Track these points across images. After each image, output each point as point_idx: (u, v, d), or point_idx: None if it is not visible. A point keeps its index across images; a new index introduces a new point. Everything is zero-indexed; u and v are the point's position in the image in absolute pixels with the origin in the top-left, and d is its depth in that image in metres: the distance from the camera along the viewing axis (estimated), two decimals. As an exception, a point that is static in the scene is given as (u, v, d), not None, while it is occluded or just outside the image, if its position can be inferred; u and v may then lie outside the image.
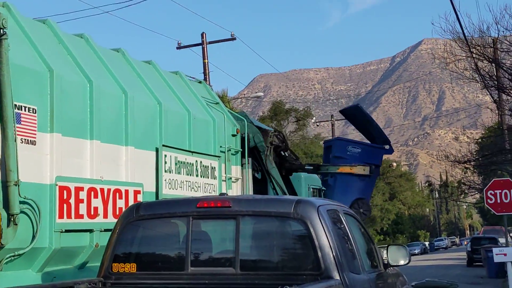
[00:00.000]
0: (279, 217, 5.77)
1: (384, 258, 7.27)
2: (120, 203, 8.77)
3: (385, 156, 15.21)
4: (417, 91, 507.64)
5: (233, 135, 12.41)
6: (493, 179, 18.67)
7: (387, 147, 13.51)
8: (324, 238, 5.58)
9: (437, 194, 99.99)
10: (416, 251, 72.45)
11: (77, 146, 8.33)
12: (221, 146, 11.78)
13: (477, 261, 35.17)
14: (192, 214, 5.93)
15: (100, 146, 8.65)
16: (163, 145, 9.87)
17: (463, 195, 27.70)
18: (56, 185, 7.79)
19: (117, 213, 8.57)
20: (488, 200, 17.75)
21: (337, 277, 5.49)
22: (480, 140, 30.21)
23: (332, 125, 57.06)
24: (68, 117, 8.17)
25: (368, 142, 13.45)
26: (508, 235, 18.92)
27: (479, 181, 29.12)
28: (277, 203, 5.96)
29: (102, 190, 8.55)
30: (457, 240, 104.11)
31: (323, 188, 16.87)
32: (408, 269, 36.77)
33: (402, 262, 7.01)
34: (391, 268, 7.36)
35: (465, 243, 47.19)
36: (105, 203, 8.56)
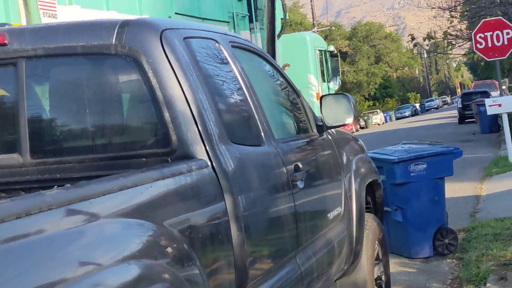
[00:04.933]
0: (91, 56, 3.10)
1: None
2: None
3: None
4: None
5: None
6: (483, 20, 16.11)
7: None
8: (173, 87, 2.97)
9: (425, 54, 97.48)
10: (407, 114, 71.63)
11: None
12: (229, 12, 11.67)
13: (468, 118, 33.59)
14: None
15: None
16: (176, 13, 9.59)
17: (450, 46, 25.19)
18: None
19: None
20: (478, 45, 15.27)
21: (202, 155, 2.96)
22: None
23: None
24: None
25: (430, 147, 7.20)
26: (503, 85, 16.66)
27: (467, 31, 26.63)
28: (88, 31, 3.14)
29: None
30: (448, 99, 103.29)
31: (330, 49, 16.52)
32: (396, 132, 35.03)
33: (347, 120, 4.31)
34: (334, 131, 4.75)
35: (457, 100, 45.33)
36: None
